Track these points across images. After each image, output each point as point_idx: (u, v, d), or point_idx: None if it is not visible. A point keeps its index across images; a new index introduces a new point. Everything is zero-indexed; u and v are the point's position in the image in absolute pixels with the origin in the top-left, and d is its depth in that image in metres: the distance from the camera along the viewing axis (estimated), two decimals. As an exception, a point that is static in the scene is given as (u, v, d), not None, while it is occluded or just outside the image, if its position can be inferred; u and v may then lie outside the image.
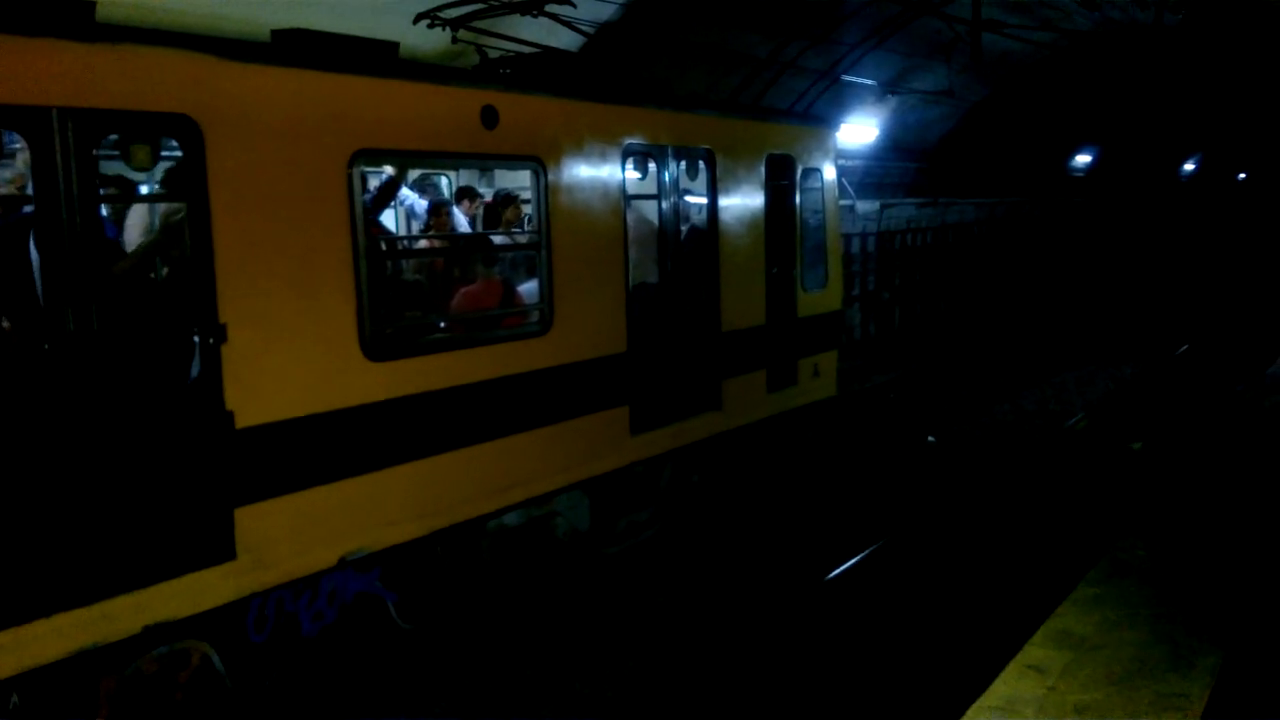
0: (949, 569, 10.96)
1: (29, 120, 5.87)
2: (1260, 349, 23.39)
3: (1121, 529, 9.18)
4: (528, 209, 10.04)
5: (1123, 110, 34.24)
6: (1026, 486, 14.10)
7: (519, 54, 10.43)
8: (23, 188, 6.67)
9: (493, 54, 10.42)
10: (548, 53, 10.64)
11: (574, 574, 10.15)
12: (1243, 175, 61.97)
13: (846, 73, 20.42)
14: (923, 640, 9.28)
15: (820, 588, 10.56)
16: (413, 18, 10.32)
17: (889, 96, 22.14)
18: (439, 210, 9.82)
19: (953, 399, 20.11)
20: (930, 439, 16.83)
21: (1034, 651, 6.85)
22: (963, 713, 6.13)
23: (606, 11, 13.74)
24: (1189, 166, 51.57)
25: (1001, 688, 6.36)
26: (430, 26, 10.31)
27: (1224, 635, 6.93)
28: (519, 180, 10.62)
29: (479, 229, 10.38)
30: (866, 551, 11.39)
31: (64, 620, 6.05)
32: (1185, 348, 26.30)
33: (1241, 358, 23.57)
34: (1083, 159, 38.13)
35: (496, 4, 10.23)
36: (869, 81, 20.91)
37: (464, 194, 10.77)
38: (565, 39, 12.67)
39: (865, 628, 9.60)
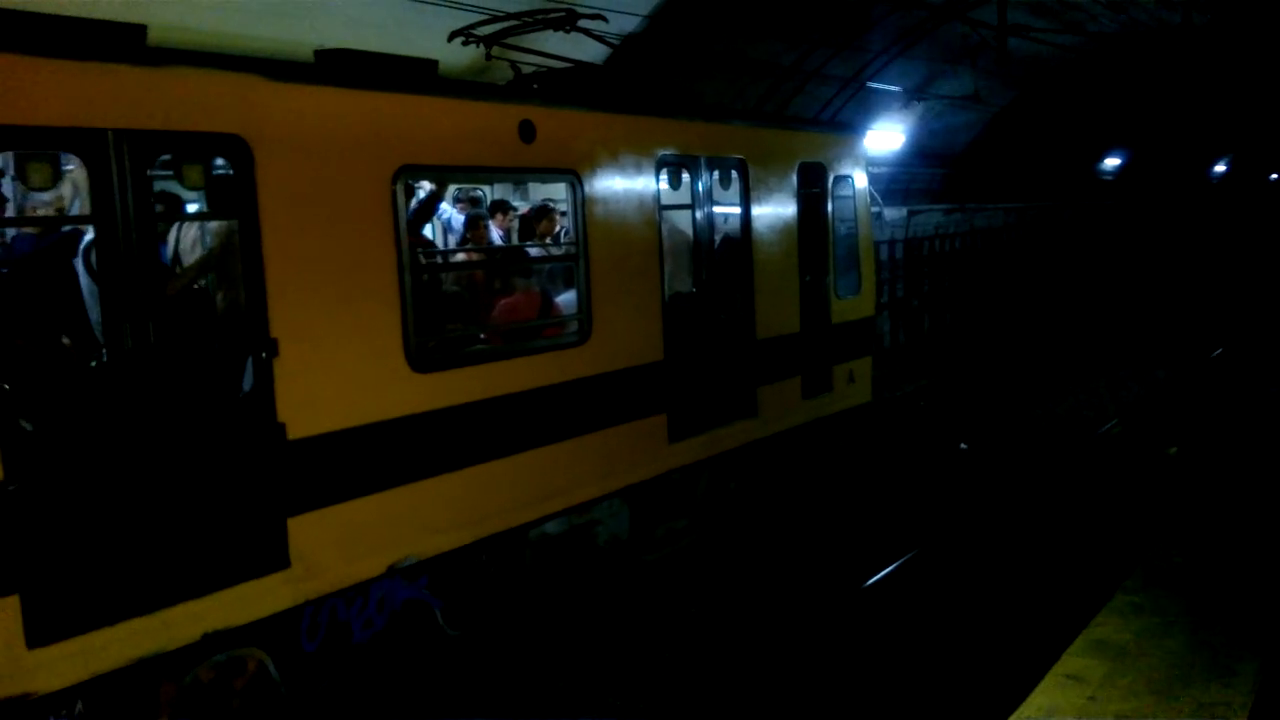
0: (985, 577, 10.88)
1: (86, 142, 6.02)
2: (1296, 351, 23.14)
3: (1158, 535, 9.09)
4: (562, 221, 10.12)
5: (1152, 112, 34.00)
6: (1061, 493, 13.99)
7: (550, 69, 10.47)
8: (62, 209, 6.88)
9: (525, 69, 10.50)
10: (579, 67, 10.71)
11: (615, 581, 10.15)
12: (1275, 175, 61.34)
13: (872, 79, 20.39)
14: (960, 648, 9.21)
15: (858, 595, 10.52)
16: (444, 35, 10.41)
17: (915, 103, 22.07)
18: (476, 223, 9.90)
19: (984, 405, 20.00)
20: (963, 446, 16.73)
21: (1073, 661, 6.80)
22: (1002, 723, 6.08)
23: (631, 24, 13.79)
24: (1220, 168, 51.13)
25: (1041, 698, 6.32)
26: (465, 44, 10.44)
27: (1265, 643, 6.85)
28: (551, 192, 10.78)
29: (513, 241, 10.45)
30: (901, 560, 11.34)
31: (127, 628, 6.16)
32: (1219, 350, 26.05)
33: (1277, 360, 23.30)
34: (1112, 162, 37.89)
35: (530, 20, 10.33)
36: (894, 88, 20.86)
37: (497, 207, 10.82)
38: (591, 52, 12.71)
39: (902, 635, 9.54)
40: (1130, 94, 30.84)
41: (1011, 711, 6.19)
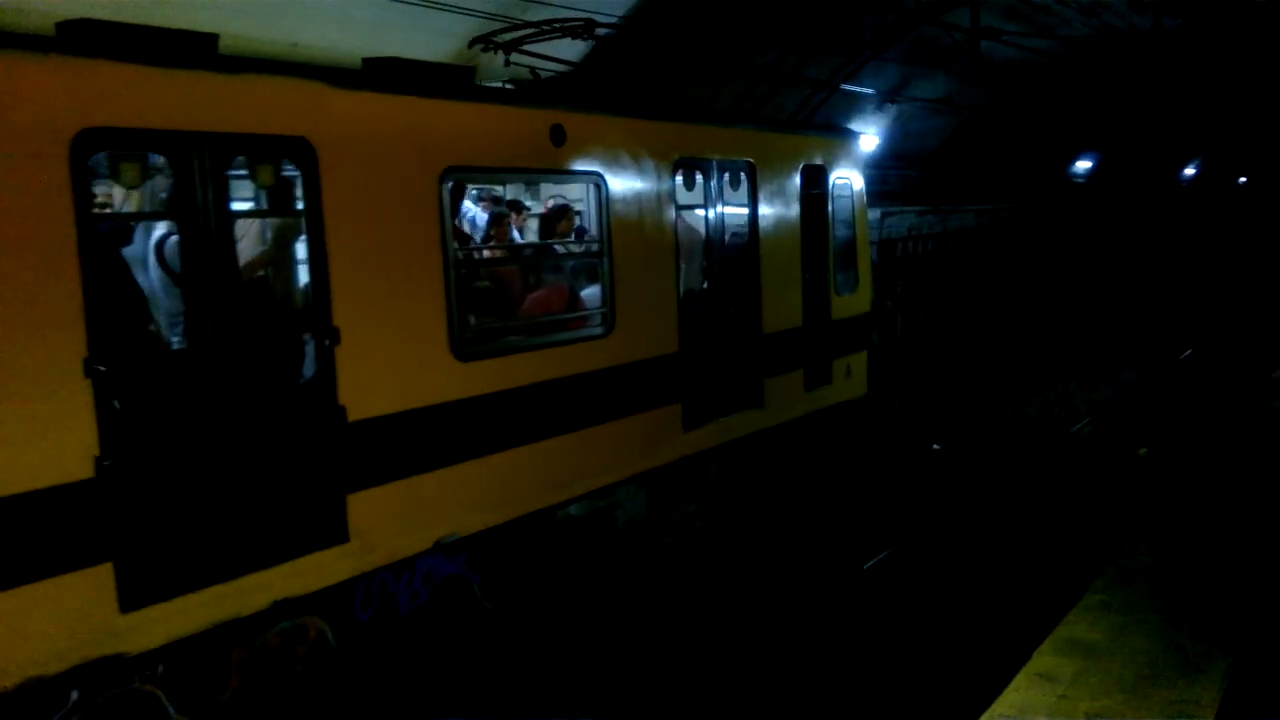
0: (957, 576, 10.95)
1: (172, 144, 6.48)
2: (1265, 352, 23.35)
3: (1128, 535, 9.17)
4: (577, 220, 10.63)
5: (1123, 115, 34.25)
6: (1032, 493, 14.09)
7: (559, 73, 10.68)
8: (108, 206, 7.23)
9: (519, 72, 10.75)
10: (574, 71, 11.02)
11: (635, 562, 10.63)
12: (1244, 179, 61.94)
13: (846, 82, 20.45)
14: (937, 647, 9.28)
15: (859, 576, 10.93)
16: (426, 33, 10.47)
17: (889, 105, 22.17)
18: (500, 221, 10.27)
19: (957, 406, 20.11)
20: (935, 446, 16.82)
21: (1044, 660, 6.85)
22: (974, 721, 6.12)
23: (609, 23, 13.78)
24: (1189, 171, 51.57)
25: (1013, 696, 6.36)
26: (484, 50, 11.09)
27: (1233, 641, 6.92)
28: (558, 191, 11.38)
29: (526, 239, 10.96)
30: (881, 555, 11.48)
31: (207, 594, 6.62)
32: (1189, 352, 26.31)
33: (1246, 361, 23.55)
34: (1083, 164, 38.16)
35: (549, 28, 10.73)
36: (869, 90, 20.94)
37: (512, 206, 11.19)
38: (570, 52, 12.73)
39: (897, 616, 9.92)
40: (1101, 97, 31.06)
41: (984, 709, 6.23)
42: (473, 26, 12.01)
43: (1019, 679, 6.59)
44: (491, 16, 11.82)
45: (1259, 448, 11.82)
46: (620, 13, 13.94)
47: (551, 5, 11.85)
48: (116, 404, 6.16)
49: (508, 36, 10.65)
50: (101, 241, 6.56)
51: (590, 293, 9.98)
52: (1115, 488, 13.83)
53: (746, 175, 11.64)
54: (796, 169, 12.54)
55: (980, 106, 25.96)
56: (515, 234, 10.62)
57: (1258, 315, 32.04)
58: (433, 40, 11.95)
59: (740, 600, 10.59)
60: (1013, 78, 25.27)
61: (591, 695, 8.70)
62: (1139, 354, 26.24)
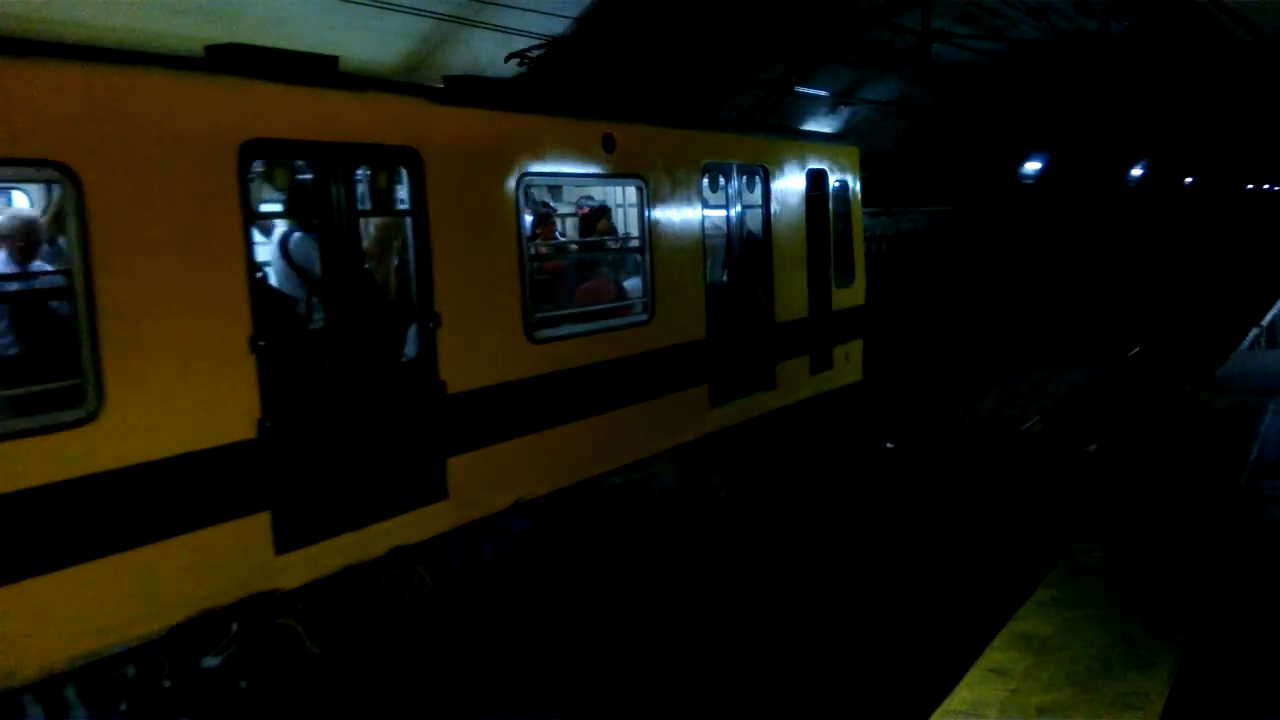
0: (903, 583, 11.04)
1: (312, 153, 7.68)
2: (1210, 349, 23.71)
3: (1078, 530, 9.27)
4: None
5: (1071, 117, 34.71)
6: (985, 492, 14.23)
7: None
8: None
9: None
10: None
11: (670, 528, 11.71)
12: (1189, 179, 62.93)
13: (800, 84, 20.57)
14: (890, 652, 9.36)
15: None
16: (367, 32, 10.42)
17: (842, 108, 22.32)
18: (546, 220, 11.10)
19: (910, 405, 20.24)
20: (889, 445, 16.93)
21: (996, 655, 6.89)
22: (927, 717, 6.15)
23: (559, 26, 13.78)
24: (1137, 171, 52.36)
25: (965, 692, 6.39)
26: (520, 64, 12.67)
27: (1181, 633, 7.02)
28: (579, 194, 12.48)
29: (566, 236, 11.96)
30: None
31: (342, 541, 7.78)
32: (1137, 350, 26.67)
33: (1191, 358, 23.89)
34: (1033, 166, 38.63)
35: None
36: (822, 93, 21.07)
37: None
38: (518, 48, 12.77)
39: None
40: (1051, 99, 31.46)
41: (936, 706, 6.26)
42: (425, 27, 11.97)
43: (971, 675, 6.62)
44: (444, 18, 11.77)
45: (1202, 444, 12.00)
46: (574, 13, 13.94)
47: (503, 6, 11.83)
48: (273, 375, 7.26)
49: (538, 53, 12.11)
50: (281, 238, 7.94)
51: (632, 284, 11.13)
52: (1066, 484, 13.99)
53: (761, 178, 12.90)
54: (803, 172, 13.77)
55: (932, 109, 26.19)
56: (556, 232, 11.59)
57: (1205, 311, 32.55)
58: (386, 40, 11.89)
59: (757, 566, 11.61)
60: (964, 80, 25.53)
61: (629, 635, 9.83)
62: (1089, 352, 26.57)
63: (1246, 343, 19.26)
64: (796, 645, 9.60)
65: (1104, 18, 20.91)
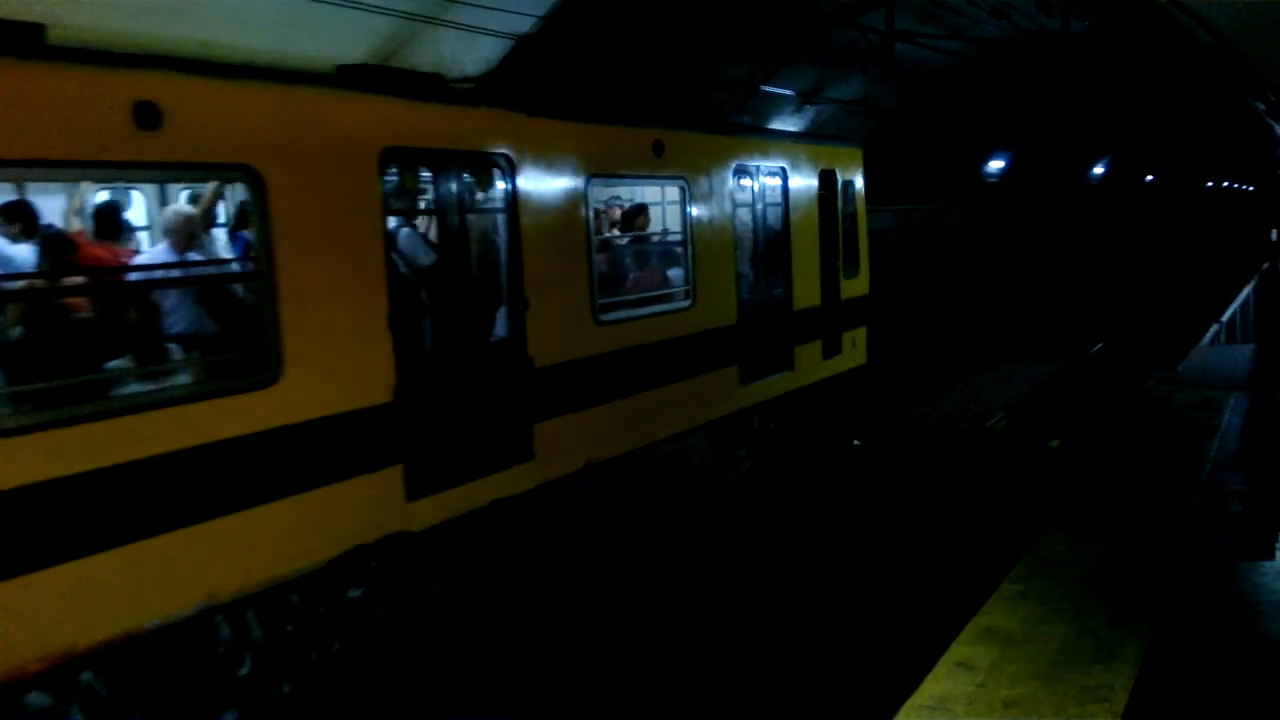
0: (871, 580, 11.11)
1: (432, 159, 9.18)
2: (1171, 345, 23.98)
3: (1043, 525, 9.34)
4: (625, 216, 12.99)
5: (1034, 116, 34.95)
6: (951, 488, 14.32)
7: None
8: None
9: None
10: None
11: (707, 493, 13.14)
12: (1150, 177, 63.51)
13: (765, 83, 20.59)
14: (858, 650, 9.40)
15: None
16: (338, 32, 10.43)
17: (807, 107, 22.36)
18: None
19: (875, 402, 20.34)
20: (855, 443, 17.01)
21: (962, 649, 6.92)
22: (895, 711, 6.18)
23: (525, 24, 13.66)
24: (1099, 170, 52.82)
25: (932, 686, 6.43)
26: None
27: (1144, 626, 7.09)
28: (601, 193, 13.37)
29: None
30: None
31: (457, 492, 9.23)
32: (1099, 346, 26.92)
33: (1153, 354, 24.14)
34: (996, 164, 38.87)
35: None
36: (788, 92, 21.10)
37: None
38: (490, 50, 12.74)
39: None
40: (1013, 98, 31.66)
41: (904, 701, 6.29)
42: (390, 26, 11.88)
43: (938, 669, 6.66)
44: (410, 16, 11.69)
45: (1164, 438, 12.13)
46: (541, 11, 13.88)
47: (471, 5, 11.77)
48: (403, 350, 8.64)
49: None
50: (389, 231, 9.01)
51: (675, 273, 12.51)
52: (1031, 480, 14.10)
53: (781, 178, 14.32)
54: (815, 172, 15.26)
55: (896, 108, 26.30)
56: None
57: (1166, 308, 32.88)
58: (352, 40, 11.78)
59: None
60: (927, 80, 25.65)
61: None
62: (1052, 349, 26.78)
63: (1207, 339, 19.47)
64: (769, 640, 9.63)
65: (1065, 17, 21.05)
